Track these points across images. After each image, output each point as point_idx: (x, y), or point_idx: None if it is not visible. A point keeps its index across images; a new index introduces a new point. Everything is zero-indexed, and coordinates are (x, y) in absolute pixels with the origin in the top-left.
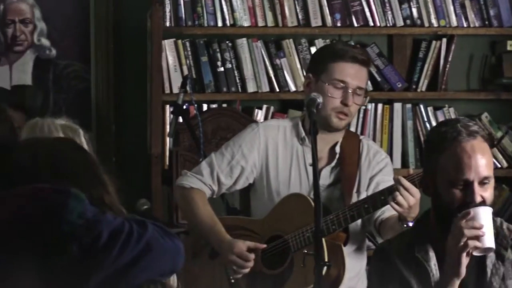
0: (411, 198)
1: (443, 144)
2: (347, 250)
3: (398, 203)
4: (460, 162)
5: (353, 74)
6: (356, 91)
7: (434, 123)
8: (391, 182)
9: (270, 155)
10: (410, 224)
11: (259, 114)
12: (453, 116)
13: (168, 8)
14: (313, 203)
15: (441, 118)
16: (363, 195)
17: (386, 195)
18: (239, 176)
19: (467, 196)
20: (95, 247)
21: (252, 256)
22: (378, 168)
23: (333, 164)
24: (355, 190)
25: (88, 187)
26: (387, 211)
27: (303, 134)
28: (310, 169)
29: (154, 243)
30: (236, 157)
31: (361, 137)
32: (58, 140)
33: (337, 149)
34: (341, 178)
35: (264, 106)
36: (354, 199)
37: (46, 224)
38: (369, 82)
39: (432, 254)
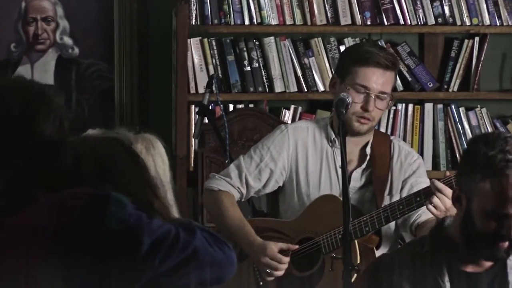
0: (447, 200)
1: (489, 170)
2: (379, 254)
3: (435, 206)
4: (505, 197)
5: (376, 80)
6: (379, 96)
7: (466, 124)
8: (426, 184)
9: (300, 157)
10: None
11: (287, 115)
12: (485, 118)
13: (193, 6)
14: None
15: (473, 119)
16: (395, 198)
17: (422, 197)
18: (269, 179)
19: (503, 229)
20: (136, 254)
21: (286, 258)
22: (411, 170)
23: (364, 166)
24: (387, 192)
25: (136, 190)
26: (423, 215)
27: (333, 136)
28: (340, 171)
29: (201, 251)
30: (265, 159)
31: (392, 137)
32: (105, 140)
33: (368, 150)
34: (372, 180)
35: (292, 107)
36: (386, 201)
37: (86, 231)
38: (399, 82)
39: (445, 269)
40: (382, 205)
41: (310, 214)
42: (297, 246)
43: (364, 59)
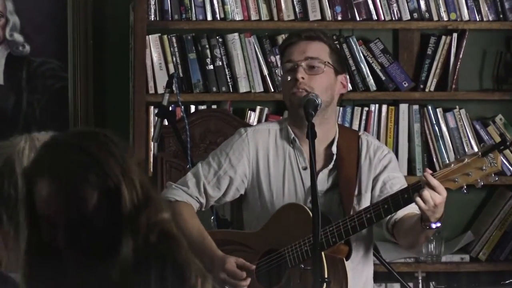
0: (438, 196)
1: None
2: (351, 264)
3: (423, 200)
4: None
5: (299, 50)
6: (307, 63)
7: (443, 126)
8: (400, 179)
9: (261, 163)
10: (433, 226)
11: (252, 116)
12: (464, 119)
13: (152, 0)
14: (311, 213)
15: (451, 121)
16: (365, 198)
17: (410, 193)
18: (228, 187)
19: None
20: None
21: (244, 274)
22: (381, 166)
23: (330, 166)
24: (356, 193)
25: None
26: (400, 211)
27: (292, 135)
28: (304, 173)
29: None
30: (223, 166)
31: (360, 133)
32: None
33: (334, 149)
34: (339, 181)
35: (258, 108)
36: (355, 203)
37: None
38: (372, 81)
39: None
40: (351, 208)
41: (274, 225)
42: (254, 266)
43: (287, 39)
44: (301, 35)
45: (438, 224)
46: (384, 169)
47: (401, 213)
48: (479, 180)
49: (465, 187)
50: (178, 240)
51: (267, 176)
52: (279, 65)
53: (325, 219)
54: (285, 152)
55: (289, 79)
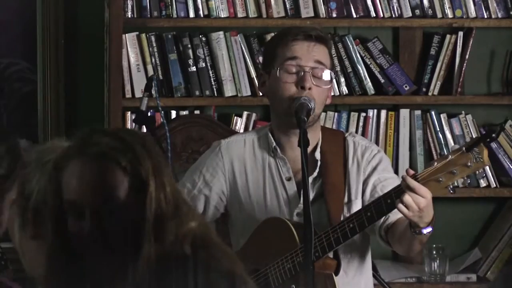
0: (421, 199)
1: None
2: (344, 278)
3: (406, 205)
4: None
5: (307, 52)
6: (314, 71)
7: (448, 133)
8: (393, 180)
9: (238, 176)
10: (424, 232)
11: (239, 123)
12: (471, 126)
13: None
14: (293, 227)
15: (456, 127)
16: (356, 205)
17: (393, 198)
18: (206, 207)
19: None
20: None
21: None
22: (370, 168)
23: (314, 174)
24: (345, 200)
25: None
26: (392, 215)
27: (274, 144)
28: (288, 184)
29: None
30: (197, 186)
31: (346, 134)
32: None
33: (317, 155)
34: (324, 190)
35: (245, 113)
36: (346, 211)
37: None
38: (370, 84)
39: None
40: (340, 217)
41: (256, 242)
42: None
43: (287, 33)
44: (311, 34)
45: (429, 229)
46: (373, 171)
47: (393, 217)
48: (465, 178)
49: (451, 186)
50: (219, 247)
51: (246, 190)
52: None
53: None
54: (265, 162)
55: (288, 80)
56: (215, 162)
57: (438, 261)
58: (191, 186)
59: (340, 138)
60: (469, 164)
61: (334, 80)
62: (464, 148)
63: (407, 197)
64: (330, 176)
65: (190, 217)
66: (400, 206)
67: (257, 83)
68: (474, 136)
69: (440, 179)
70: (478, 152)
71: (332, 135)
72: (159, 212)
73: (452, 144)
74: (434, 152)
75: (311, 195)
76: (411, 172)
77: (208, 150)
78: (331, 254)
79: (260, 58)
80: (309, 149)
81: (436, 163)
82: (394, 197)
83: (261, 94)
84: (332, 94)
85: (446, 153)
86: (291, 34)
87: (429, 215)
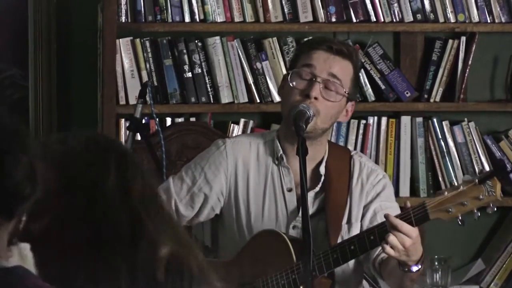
0: (406, 238)
1: None
2: None
3: (391, 246)
4: None
5: (324, 61)
6: (326, 82)
7: (450, 141)
8: (393, 210)
9: (240, 179)
10: (414, 269)
11: (235, 130)
12: (474, 133)
13: (123, 0)
14: (289, 242)
15: (459, 135)
16: (355, 228)
17: (376, 235)
18: (202, 206)
19: None
20: None
21: None
22: (374, 193)
23: (317, 188)
24: (345, 221)
25: None
26: None
27: (280, 152)
28: (289, 195)
29: None
30: (198, 182)
31: (353, 152)
32: None
33: (322, 169)
34: (326, 207)
35: (242, 121)
36: (344, 232)
37: None
38: (370, 91)
39: None
40: (338, 237)
41: (249, 254)
42: None
43: (314, 42)
44: (332, 47)
45: (419, 267)
46: (376, 197)
47: None
48: (475, 211)
49: (460, 218)
50: (194, 276)
51: (245, 195)
52: (266, 71)
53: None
54: (268, 169)
55: (297, 86)
56: (218, 160)
57: (440, 272)
58: (191, 182)
59: (346, 155)
60: (481, 197)
61: (354, 100)
62: (476, 180)
63: (392, 237)
64: (333, 193)
65: (159, 242)
66: (385, 246)
67: (257, 93)
68: (477, 145)
69: (450, 209)
70: (491, 185)
71: (339, 151)
72: (128, 232)
73: (455, 152)
74: (436, 161)
75: (311, 210)
76: (408, 205)
77: (211, 147)
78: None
79: (258, 64)
80: (314, 163)
81: (446, 193)
82: (377, 233)
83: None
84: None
85: (457, 184)
86: (314, 43)
87: (417, 254)
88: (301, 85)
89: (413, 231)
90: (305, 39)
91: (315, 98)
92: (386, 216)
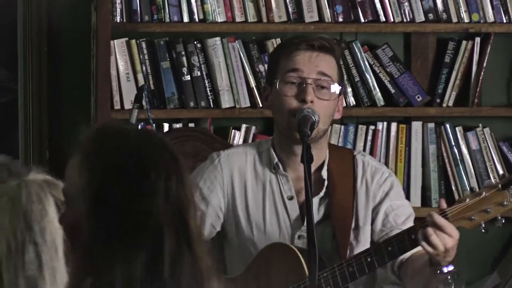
0: (448, 239)
1: None
2: None
3: (431, 245)
4: None
5: (310, 63)
6: (318, 84)
7: (464, 148)
8: (405, 208)
9: (238, 192)
10: (445, 270)
11: (237, 136)
12: (488, 140)
13: None
14: (299, 254)
15: (473, 142)
16: (364, 232)
17: (417, 234)
18: (201, 224)
19: None
20: None
21: None
22: (382, 194)
23: (321, 194)
24: (353, 226)
25: None
26: None
27: (276, 160)
28: (290, 204)
29: None
30: None
31: (355, 152)
32: None
33: (324, 173)
34: (331, 212)
35: (243, 126)
36: (352, 238)
37: None
38: (379, 95)
39: None
40: (347, 244)
41: (257, 270)
42: None
43: (292, 44)
44: (313, 44)
45: (451, 268)
46: (385, 197)
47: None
48: (499, 218)
49: (483, 225)
50: None
51: (244, 208)
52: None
53: (318, 260)
54: (265, 179)
55: (288, 93)
56: (213, 175)
57: (453, 286)
58: None
59: (348, 156)
60: (505, 203)
61: (342, 93)
62: (500, 185)
63: (434, 237)
64: (338, 198)
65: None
66: (424, 245)
67: (259, 97)
68: (492, 152)
69: (473, 217)
70: None
71: (340, 153)
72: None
73: (468, 160)
74: (448, 169)
75: (316, 217)
76: (445, 205)
77: (205, 162)
78: None
79: (260, 67)
80: (315, 167)
81: (468, 200)
82: (395, 245)
83: (262, 106)
84: None
85: (479, 189)
86: (293, 44)
87: (452, 255)
88: (292, 91)
89: (456, 232)
90: (280, 42)
91: (311, 102)
92: (431, 214)
